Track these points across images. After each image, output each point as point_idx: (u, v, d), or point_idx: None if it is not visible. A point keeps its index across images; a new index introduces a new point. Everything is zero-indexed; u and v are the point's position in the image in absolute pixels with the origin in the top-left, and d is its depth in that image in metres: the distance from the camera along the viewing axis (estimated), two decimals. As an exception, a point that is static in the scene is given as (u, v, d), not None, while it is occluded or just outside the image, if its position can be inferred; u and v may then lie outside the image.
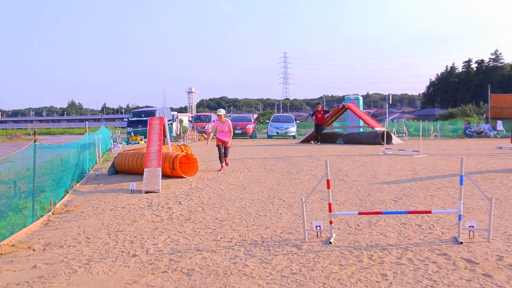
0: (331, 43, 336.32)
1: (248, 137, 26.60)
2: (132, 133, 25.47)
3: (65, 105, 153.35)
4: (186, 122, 46.30)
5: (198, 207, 6.50)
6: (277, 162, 11.90)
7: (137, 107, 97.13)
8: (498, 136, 24.19)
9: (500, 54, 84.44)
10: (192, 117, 44.45)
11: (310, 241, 4.55)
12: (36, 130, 8.74)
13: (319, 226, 4.66)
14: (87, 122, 16.36)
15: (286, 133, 26.28)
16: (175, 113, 34.40)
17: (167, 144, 10.73)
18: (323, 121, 19.61)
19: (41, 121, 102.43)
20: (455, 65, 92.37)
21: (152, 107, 61.80)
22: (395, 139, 18.77)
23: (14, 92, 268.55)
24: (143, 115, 26.69)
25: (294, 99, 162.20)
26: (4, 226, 5.09)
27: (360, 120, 21.37)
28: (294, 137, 25.94)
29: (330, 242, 4.46)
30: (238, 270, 3.79)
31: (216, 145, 10.58)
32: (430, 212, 4.90)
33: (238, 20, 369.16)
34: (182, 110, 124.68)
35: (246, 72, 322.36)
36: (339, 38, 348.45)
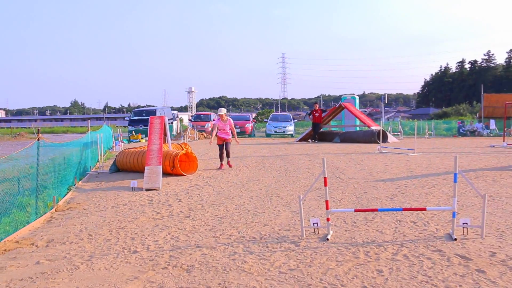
0: (329, 45, 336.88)
1: (247, 135, 26.69)
2: (133, 131, 25.59)
3: (68, 105, 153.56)
4: (186, 121, 46.47)
5: (197, 204, 6.55)
6: (275, 160, 11.96)
7: (138, 107, 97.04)
8: (491, 134, 24.50)
9: (493, 54, 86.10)
10: (192, 116, 44.48)
11: (307, 238, 4.59)
12: (39, 128, 8.75)
13: (317, 223, 4.70)
14: (89, 121, 16.47)
15: (284, 132, 26.43)
16: (175, 112, 34.53)
17: (167, 142, 10.80)
18: (321, 120, 19.70)
19: (44, 120, 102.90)
20: (449, 66, 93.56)
21: (153, 106, 62.03)
22: (391, 138, 18.87)
23: (19, 92, 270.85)
24: (144, 114, 26.81)
25: (292, 99, 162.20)
26: (8, 223, 5.12)
27: (357, 119, 21.50)
28: (292, 135, 26.04)
29: (327, 239, 4.50)
30: (237, 266, 3.81)
31: (217, 144, 10.64)
32: (425, 209, 4.91)
33: (236, 21, 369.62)
34: (182, 109, 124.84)
35: (245, 72, 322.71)
36: (337, 40, 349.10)
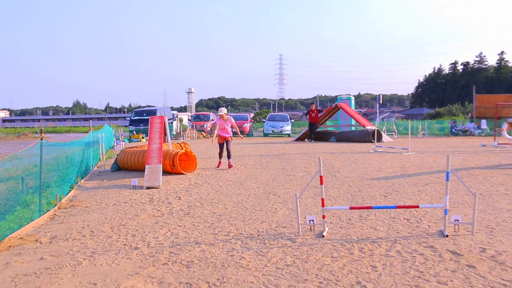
0: (325, 47, 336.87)
1: (245, 135, 26.80)
2: (134, 131, 25.68)
3: (70, 105, 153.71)
4: (186, 121, 46.56)
5: (197, 202, 6.61)
6: (272, 159, 12.05)
7: (139, 107, 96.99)
8: (483, 134, 24.74)
9: (485, 56, 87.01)
10: (191, 116, 44.54)
11: (303, 235, 4.66)
12: (42, 128, 8.81)
13: (313, 220, 4.77)
14: (91, 121, 16.56)
15: (281, 131, 26.60)
16: (175, 112, 34.57)
17: (167, 142, 10.90)
18: (317, 120, 19.84)
19: (47, 120, 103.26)
20: (442, 67, 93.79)
21: (153, 106, 62.08)
22: (385, 137, 19.01)
23: (22, 93, 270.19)
24: (144, 114, 26.89)
25: (289, 99, 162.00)
26: (13, 220, 5.17)
27: (352, 119, 21.67)
28: (289, 135, 26.21)
29: (323, 236, 4.57)
30: (235, 262, 3.87)
31: (218, 143, 10.70)
32: (417, 206, 5.00)
33: (235, 23, 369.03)
34: (182, 109, 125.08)
35: (243, 73, 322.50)
36: (333, 43, 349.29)
